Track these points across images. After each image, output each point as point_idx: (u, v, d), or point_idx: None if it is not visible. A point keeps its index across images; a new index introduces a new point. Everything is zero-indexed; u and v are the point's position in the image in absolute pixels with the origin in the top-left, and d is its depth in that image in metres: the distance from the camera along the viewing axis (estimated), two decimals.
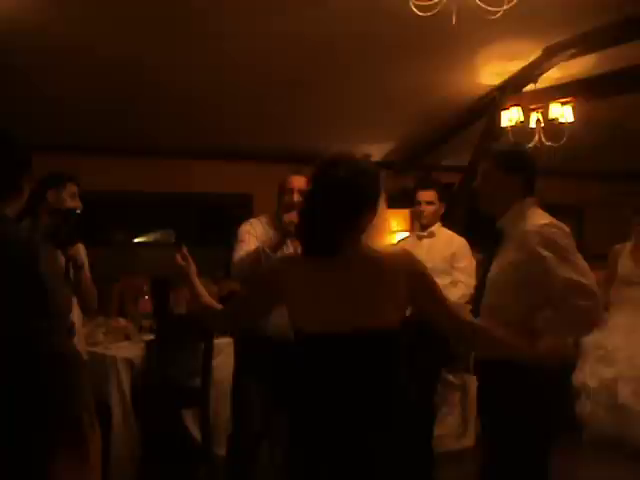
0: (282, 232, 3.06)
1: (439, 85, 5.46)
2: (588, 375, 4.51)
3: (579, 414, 4.47)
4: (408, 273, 1.92)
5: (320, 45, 4.66)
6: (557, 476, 2.53)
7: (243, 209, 6.21)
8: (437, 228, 3.99)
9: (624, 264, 4.68)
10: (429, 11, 3.45)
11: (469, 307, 2.99)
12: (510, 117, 5.42)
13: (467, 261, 3.88)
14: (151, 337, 4.12)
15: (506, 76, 5.43)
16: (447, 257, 3.86)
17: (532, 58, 5.12)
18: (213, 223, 7.11)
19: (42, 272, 2.07)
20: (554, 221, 2.39)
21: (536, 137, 5.44)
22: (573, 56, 4.94)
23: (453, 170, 6.50)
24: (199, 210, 6.93)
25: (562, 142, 5.42)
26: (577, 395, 4.49)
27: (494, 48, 4.89)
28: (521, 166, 2.48)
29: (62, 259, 2.84)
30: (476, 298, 2.62)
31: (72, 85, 4.86)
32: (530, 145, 5.31)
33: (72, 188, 3.09)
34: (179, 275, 2.21)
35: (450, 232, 4.01)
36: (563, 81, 5.41)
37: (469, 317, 2.22)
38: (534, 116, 5.52)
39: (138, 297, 4.75)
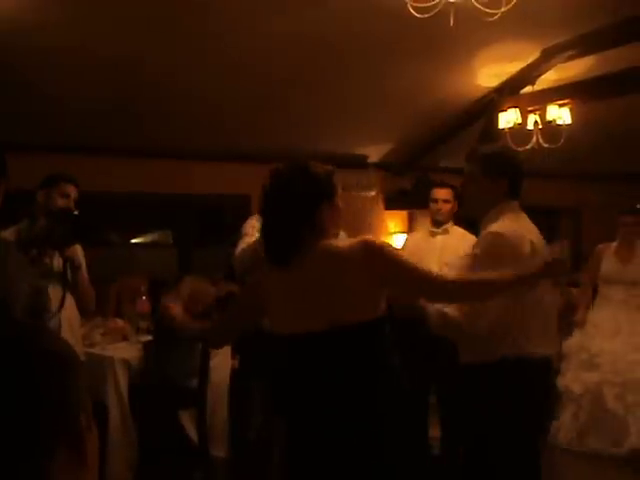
0: None
1: (437, 86, 5.46)
2: (571, 380, 4.44)
3: (560, 417, 4.40)
4: (367, 255, 1.95)
5: (320, 45, 4.66)
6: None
7: (242, 210, 6.20)
8: (451, 226, 4.13)
9: (609, 263, 4.63)
10: (427, 12, 3.46)
11: None
12: (508, 119, 5.42)
13: None
14: (148, 338, 4.12)
15: (504, 78, 5.43)
16: (460, 254, 3.93)
17: (530, 60, 5.12)
18: (212, 224, 7.11)
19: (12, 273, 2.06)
20: (509, 230, 2.35)
21: (534, 139, 5.43)
22: (571, 58, 4.95)
23: (451, 172, 6.49)
24: (198, 211, 6.93)
25: (560, 144, 5.42)
26: (559, 398, 4.41)
27: (492, 50, 4.90)
28: (506, 170, 2.46)
29: (59, 260, 2.84)
30: None
31: (72, 85, 4.85)
32: (528, 147, 5.31)
33: (65, 188, 3.07)
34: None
35: (463, 230, 4.10)
36: (561, 83, 5.40)
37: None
38: (532, 118, 5.51)
39: (136, 298, 4.73)
